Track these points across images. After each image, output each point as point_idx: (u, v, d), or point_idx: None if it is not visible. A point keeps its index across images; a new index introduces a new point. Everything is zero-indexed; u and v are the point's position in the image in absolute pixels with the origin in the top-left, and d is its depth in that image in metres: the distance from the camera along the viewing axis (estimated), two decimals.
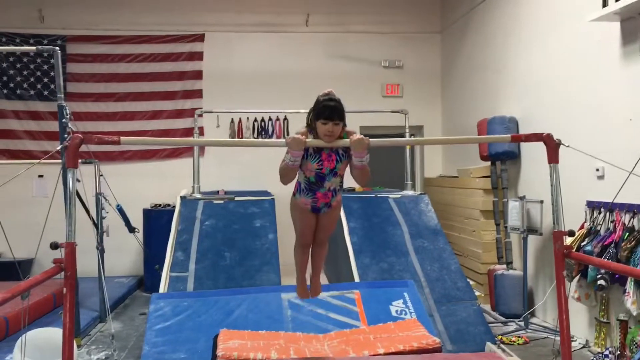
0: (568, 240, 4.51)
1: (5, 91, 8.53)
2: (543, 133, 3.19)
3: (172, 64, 8.83)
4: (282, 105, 7.81)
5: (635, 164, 3.53)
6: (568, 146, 3.13)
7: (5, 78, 8.52)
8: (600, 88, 5.05)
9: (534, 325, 5.82)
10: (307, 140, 3.11)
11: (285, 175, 3.20)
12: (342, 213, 6.02)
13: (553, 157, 3.13)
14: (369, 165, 3.17)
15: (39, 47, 5.24)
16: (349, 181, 3.48)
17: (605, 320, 4.88)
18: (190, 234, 5.63)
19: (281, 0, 9.00)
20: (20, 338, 3.81)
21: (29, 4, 8.53)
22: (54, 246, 2.61)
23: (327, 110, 3.12)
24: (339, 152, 3.22)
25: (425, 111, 9.13)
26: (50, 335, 4.12)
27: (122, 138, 2.95)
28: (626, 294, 4.37)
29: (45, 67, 8.49)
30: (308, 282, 3.66)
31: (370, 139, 3.07)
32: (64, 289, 2.60)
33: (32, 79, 8.56)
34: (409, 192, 6.76)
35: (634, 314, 4.33)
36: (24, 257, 7.27)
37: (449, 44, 9.05)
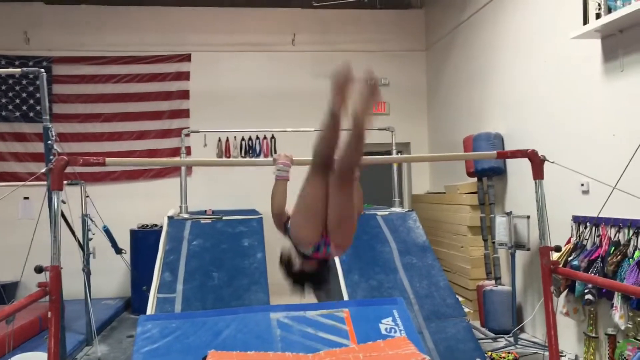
0: (555, 256, 4.54)
1: None
2: (528, 149, 3.23)
3: (159, 84, 8.84)
4: (269, 124, 7.82)
5: (619, 179, 3.57)
6: (553, 162, 3.17)
7: None
8: (583, 104, 5.12)
9: (523, 340, 5.81)
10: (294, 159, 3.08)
11: (276, 194, 2.95)
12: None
13: (538, 173, 3.17)
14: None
15: (24, 69, 5.23)
16: None
17: (594, 334, 4.89)
18: (177, 254, 5.59)
19: (267, 20, 9.06)
20: None
21: (15, 26, 8.51)
22: (39, 270, 2.59)
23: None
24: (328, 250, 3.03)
25: (411, 128, 9.19)
26: None
27: (108, 159, 2.95)
28: (614, 308, 4.39)
29: (31, 88, 8.47)
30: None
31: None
32: (49, 313, 2.58)
33: (17, 101, 8.52)
34: (397, 209, 6.78)
35: (622, 328, 4.35)
36: (9, 280, 7.17)
37: (434, 61, 9.14)
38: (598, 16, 4.53)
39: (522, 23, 6.24)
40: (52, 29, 8.62)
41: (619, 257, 4.38)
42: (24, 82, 8.50)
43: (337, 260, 5.62)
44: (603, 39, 4.78)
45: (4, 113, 8.49)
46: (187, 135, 7.11)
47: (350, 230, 2.99)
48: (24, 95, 8.53)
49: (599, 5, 4.53)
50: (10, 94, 8.51)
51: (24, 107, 8.52)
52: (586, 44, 4.93)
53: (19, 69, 5.45)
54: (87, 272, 5.90)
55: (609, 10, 4.42)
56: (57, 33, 8.62)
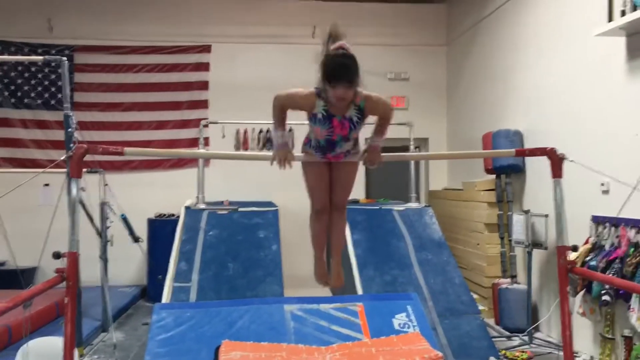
0: (572, 256, 4.49)
1: (12, 100, 8.58)
2: (547, 147, 3.19)
3: (179, 75, 8.88)
4: (288, 116, 7.80)
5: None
6: (572, 161, 3.13)
7: (13, 87, 8.58)
8: (605, 103, 5.04)
9: (538, 340, 5.77)
10: (295, 155, 3.07)
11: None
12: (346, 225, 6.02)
13: (557, 171, 3.13)
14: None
15: (47, 57, 5.28)
16: (353, 192, 3.48)
17: (610, 336, 4.83)
18: (194, 244, 5.63)
19: (287, 13, 9.05)
20: (23, 347, 3.81)
21: (38, 14, 8.60)
22: (57, 256, 2.62)
23: (337, 70, 2.71)
24: (353, 119, 2.90)
25: (430, 123, 9.13)
26: (52, 345, 4.11)
27: (126, 149, 2.97)
28: (631, 309, 4.34)
29: (53, 76, 8.55)
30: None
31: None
32: (66, 299, 2.61)
33: (39, 88, 8.62)
34: (413, 205, 6.75)
35: (639, 330, 4.30)
36: (28, 266, 7.27)
37: (454, 56, 9.07)
38: (623, 13, 4.46)
39: (544, 19, 6.16)
40: (76, 18, 8.68)
41: (638, 258, 4.32)
42: (46, 70, 8.59)
43: (351, 254, 5.63)
44: (628, 37, 4.70)
45: (26, 100, 8.60)
46: (206, 126, 7.14)
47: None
48: (46, 83, 8.62)
49: (625, 2, 4.45)
50: (33, 82, 8.61)
51: (46, 95, 8.62)
52: (610, 42, 4.85)
53: (41, 57, 5.51)
54: (104, 259, 5.97)
55: (634, 8, 4.34)
56: (80, 22, 8.69)
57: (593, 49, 5.18)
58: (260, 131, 8.82)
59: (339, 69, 2.71)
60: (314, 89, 2.90)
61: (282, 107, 3.04)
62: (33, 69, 8.59)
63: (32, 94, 8.60)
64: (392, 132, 7.21)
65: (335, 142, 2.99)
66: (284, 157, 3.04)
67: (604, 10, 4.69)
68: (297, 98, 2.98)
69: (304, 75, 9.83)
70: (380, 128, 3.11)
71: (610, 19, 4.61)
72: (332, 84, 2.72)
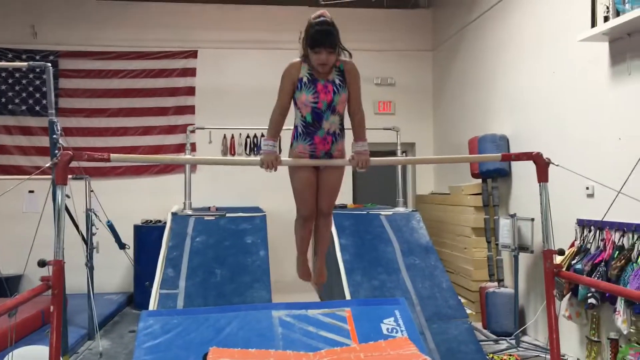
0: (558, 259, 4.52)
1: None
2: (533, 152, 3.22)
3: (165, 80, 8.85)
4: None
5: (624, 183, 3.55)
6: (557, 165, 3.16)
7: None
8: (590, 107, 5.10)
9: (525, 343, 5.80)
10: (281, 159, 3.15)
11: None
12: (333, 230, 6.02)
13: (542, 176, 3.15)
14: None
15: (31, 63, 5.25)
16: (340, 197, 3.49)
17: (596, 339, 4.87)
18: (180, 251, 5.60)
19: (274, 18, 9.06)
20: (7, 356, 3.76)
21: (22, 20, 8.54)
22: (42, 264, 2.59)
23: (319, 36, 2.93)
24: (336, 82, 3.09)
25: (417, 128, 9.18)
26: (37, 353, 4.08)
27: (112, 155, 2.95)
28: (616, 312, 4.37)
29: (38, 82, 8.49)
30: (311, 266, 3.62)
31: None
32: (51, 307, 2.58)
33: (24, 94, 8.55)
34: (400, 209, 6.76)
35: (625, 332, 4.33)
36: (13, 273, 7.20)
37: (440, 62, 9.12)
38: (606, 19, 4.51)
39: (529, 25, 6.22)
40: (60, 23, 8.64)
41: (623, 261, 4.36)
42: (31, 75, 8.52)
43: (339, 259, 5.62)
44: (611, 42, 4.76)
45: (10, 106, 8.52)
46: (193, 131, 7.11)
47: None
48: (31, 89, 8.55)
49: (607, 8, 4.51)
50: (17, 88, 8.54)
51: (30, 101, 8.55)
52: (594, 47, 4.91)
53: (25, 63, 5.47)
54: (90, 266, 5.92)
55: (617, 14, 4.39)
56: (65, 27, 8.64)
57: (577, 54, 5.24)
58: (248, 136, 8.81)
59: (321, 35, 2.92)
60: (297, 58, 3.13)
61: (279, 113, 3.17)
62: (17, 75, 8.52)
63: (17, 100, 8.52)
64: (379, 136, 7.33)
65: (321, 114, 3.09)
66: (271, 161, 3.11)
67: (587, 16, 4.74)
68: (283, 83, 3.14)
69: None
70: (357, 128, 3.21)
71: (593, 25, 4.66)
72: (314, 50, 2.93)
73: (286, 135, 3.48)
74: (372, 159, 3.24)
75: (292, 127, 3.31)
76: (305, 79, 3.05)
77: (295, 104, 3.16)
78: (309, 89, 3.06)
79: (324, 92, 3.06)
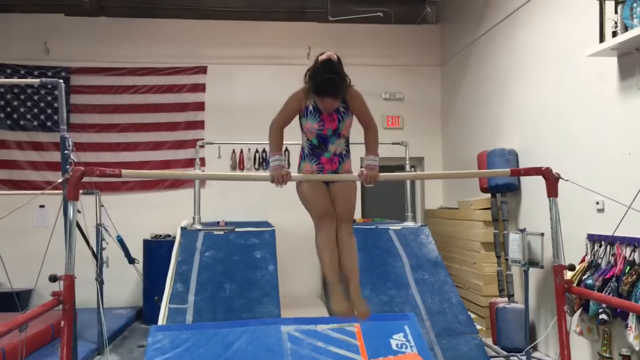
0: (569, 274, 4.50)
1: (9, 122, 8.59)
2: (542, 167, 3.22)
3: (175, 96, 8.92)
4: (284, 136, 7.84)
5: (635, 198, 3.54)
6: (567, 180, 3.15)
7: (9, 109, 8.60)
8: (599, 122, 5.09)
9: (535, 359, 5.74)
10: (291, 174, 3.15)
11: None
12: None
13: (552, 191, 3.15)
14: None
15: (43, 79, 5.30)
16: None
17: (608, 355, 4.82)
18: (190, 265, 5.61)
19: (283, 34, 9.13)
20: None
21: (35, 37, 8.65)
22: (53, 279, 2.61)
23: (325, 86, 2.98)
24: (340, 110, 3.13)
25: (425, 143, 9.18)
26: None
27: (124, 171, 2.98)
28: (628, 328, 4.33)
29: (49, 98, 8.58)
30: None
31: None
32: (62, 322, 2.59)
33: (35, 110, 8.64)
34: (409, 224, 6.75)
35: (637, 349, 4.29)
36: (23, 288, 7.23)
37: (449, 76, 9.15)
38: (614, 34, 4.52)
39: (537, 40, 6.24)
40: (72, 40, 8.74)
41: (634, 276, 4.33)
42: (43, 92, 8.62)
43: None
44: (619, 57, 4.76)
45: (22, 122, 8.61)
46: (202, 146, 7.16)
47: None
48: (42, 104, 8.64)
49: (616, 23, 4.52)
50: (29, 104, 8.63)
51: (42, 117, 8.63)
52: (602, 62, 4.91)
53: (37, 79, 5.53)
54: (100, 281, 5.94)
55: (626, 29, 4.40)
56: (76, 44, 8.75)
57: (585, 69, 5.24)
58: (257, 151, 8.85)
59: (327, 85, 2.96)
60: (304, 87, 3.16)
61: (278, 127, 3.17)
62: (29, 90, 8.61)
63: (28, 116, 8.61)
64: (388, 151, 7.33)
65: (327, 138, 3.15)
66: (281, 176, 3.11)
67: (596, 31, 4.75)
68: (289, 104, 3.19)
69: None
70: (368, 142, 3.23)
71: (601, 40, 4.67)
72: (319, 97, 2.99)
73: (294, 151, 3.51)
74: (380, 174, 3.24)
75: (300, 150, 3.34)
76: (311, 107, 3.12)
77: (302, 128, 3.21)
78: (314, 117, 3.12)
79: (329, 120, 3.13)
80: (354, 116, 3.23)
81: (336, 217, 3.20)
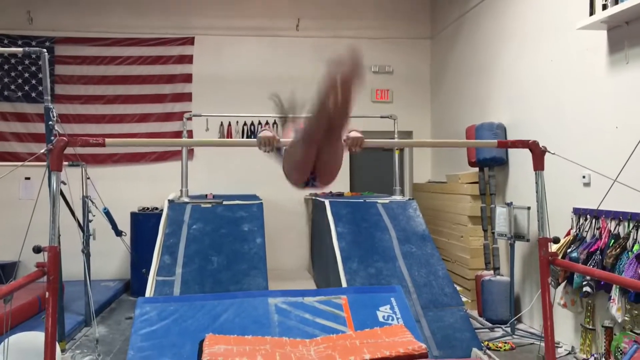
0: (554, 247, 4.54)
1: None
2: (529, 140, 3.21)
3: (162, 67, 8.81)
4: (272, 109, 7.78)
5: (620, 172, 3.56)
6: (554, 153, 3.16)
7: None
8: (587, 96, 5.09)
9: (520, 331, 5.83)
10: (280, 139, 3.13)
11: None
12: (330, 218, 6.03)
13: (538, 164, 3.16)
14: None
15: (26, 48, 5.20)
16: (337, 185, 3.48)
17: (590, 326, 4.90)
18: (177, 238, 5.61)
19: (272, 5, 9.01)
20: (3, 342, 3.77)
21: (18, 6, 8.47)
22: (37, 250, 2.59)
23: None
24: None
25: (414, 116, 9.16)
26: (33, 339, 4.08)
27: (107, 140, 2.95)
28: (611, 300, 4.40)
29: (33, 68, 8.44)
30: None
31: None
32: (47, 293, 2.58)
33: (19, 81, 8.50)
34: (397, 198, 6.77)
35: (619, 320, 4.36)
36: (9, 260, 7.20)
37: (438, 50, 9.09)
38: (605, 7, 4.49)
39: (527, 12, 6.20)
40: (56, 9, 8.57)
41: (618, 250, 4.38)
42: (27, 62, 8.47)
43: (336, 247, 5.64)
44: (609, 31, 4.74)
45: (6, 93, 8.48)
46: (189, 119, 7.10)
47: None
48: (26, 75, 8.51)
49: None
50: (13, 74, 8.49)
51: (26, 87, 8.50)
52: (592, 35, 4.89)
53: (21, 49, 5.42)
54: (86, 253, 5.92)
55: (616, 2, 4.38)
56: (61, 13, 8.58)
57: (575, 42, 5.23)
58: (245, 124, 8.79)
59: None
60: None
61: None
62: (13, 61, 8.47)
63: (12, 87, 8.48)
64: (377, 124, 7.29)
65: None
66: (268, 139, 3.09)
67: (586, 3, 4.72)
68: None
69: (287, 67, 9.82)
70: None
71: (591, 13, 4.65)
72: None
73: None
74: (367, 140, 3.18)
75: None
76: None
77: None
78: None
79: None
80: None
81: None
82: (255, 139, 3.21)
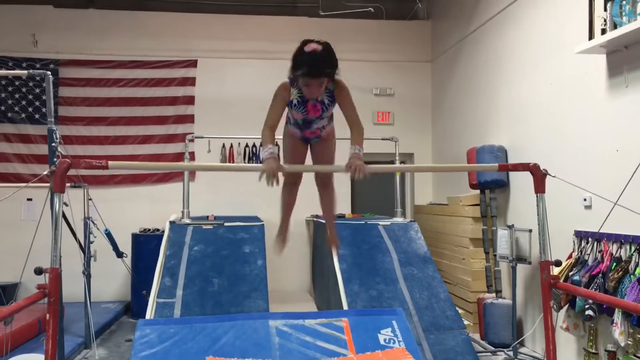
0: (555, 270, 4.52)
1: None
2: (530, 163, 3.23)
3: (165, 89, 8.87)
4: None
5: (620, 195, 3.56)
6: (554, 176, 3.17)
7: None
8: (587, 119, 5.12)
9: (522, 355, 5.78)
10: (284, 166, 3.20)
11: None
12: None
13: (540, 187, 3.16)
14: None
15: (31, 71, 5.26)
16: (339, 207, 3.50)
17: (593, 350, 4.86)
18: (178, 260, 5.59)
19: (274, 28, 9.09)
20: None
21: (23, 29, 8.56)
22: (38, 271, 2.59)
23: (306, 67, 2.90)
24: (325, 102, 3.16)
25: (415, 139, 9.20)
26: None
27: (110, 162, 2.96)
28: (614, 324, 4.37)
29: (37, 90, 8.51)
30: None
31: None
32: (47, 315, 2.58)
33: (23, 102, 8.56)
34: (398, 220, 6.77)
35: (622, 344, 4.33)
36: (10, 282, 7.19)
37: (439, 73, 9.16)
38: (604, 32, 4.54)
39: (527, 37, 6.26)
40: (60, 32, 8.66)
41: (620, 273, 4.36)
42: (31, 84, 8.54)
43: (337, 269, 5.62)
44: (608, 55, 4.78)
45: (10, 114, 8.53)
46: (192, 140, 7.13)
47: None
48: (30, 97, 8.57)
49: (605, 20, 4.54)
50: (17, 96, 8.55)
51: (30, 109, 8.56)
52: (591, 59, 4.93)
53: (25, 71, 5.48)
54: (87, 275, 5.91)
55: (615, 26, 4.42)
56: (65, 36, 8.67)
57: (574, 67, 5.27)
58: (247, 145, 8.82)
59: (309, 65, 2.91)
60: (287, 79, 3.14)
61: (271, 127, 3.18)
62: (17, 83, 8.54)
63: (16, 108, 8.54)
64: (378, 147, 7.34)
65: (311, 121, 3.26)
66: (272, 170, 2.96)
67: (585, 28, 4.77)
68: (279, 93, 3.19)
69: None
70: (354, 138, 3.20)
71: (590, 37, 4.69)
72: (304, 81, 2.95)
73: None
74: (369, 165, 3.14)
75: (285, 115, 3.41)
76: (295, 101, 3.11)
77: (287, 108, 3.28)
78: (299, 108, 3.16)
79: (314, 109, 3.17)
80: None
81: (318, 184, 3.54)
82: (258, 164, 3.22)
